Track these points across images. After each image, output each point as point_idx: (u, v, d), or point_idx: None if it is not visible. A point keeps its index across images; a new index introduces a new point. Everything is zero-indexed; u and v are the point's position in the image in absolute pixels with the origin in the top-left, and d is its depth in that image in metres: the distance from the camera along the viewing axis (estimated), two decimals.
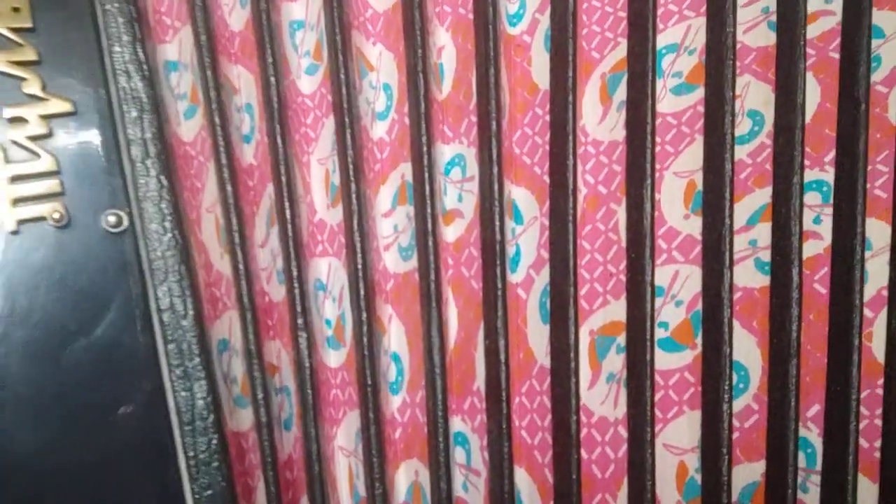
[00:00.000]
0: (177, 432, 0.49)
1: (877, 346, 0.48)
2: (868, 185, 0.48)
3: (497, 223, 0.55)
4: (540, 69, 0.57)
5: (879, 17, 0.48)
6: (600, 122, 0.55)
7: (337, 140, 0.60)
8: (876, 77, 0.48)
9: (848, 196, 0.48)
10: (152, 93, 0.52)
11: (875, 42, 0.48)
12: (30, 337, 0.47)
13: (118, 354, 0.49)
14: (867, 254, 0.48)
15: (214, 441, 0.50)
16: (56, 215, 0.48)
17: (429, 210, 0.57)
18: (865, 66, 0.48)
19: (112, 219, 0.50)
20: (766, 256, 0.51)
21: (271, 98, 0.59)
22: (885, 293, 0.47)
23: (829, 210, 0.49)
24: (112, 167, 0.50)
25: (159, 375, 0.49)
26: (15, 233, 0.48)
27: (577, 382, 0.54)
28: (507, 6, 0.57)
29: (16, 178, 0.48)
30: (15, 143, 0.49)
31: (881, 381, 0.47)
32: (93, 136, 0.50)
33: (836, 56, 0.49)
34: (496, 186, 0.55)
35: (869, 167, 0.48)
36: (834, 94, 0.49)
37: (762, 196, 0.51)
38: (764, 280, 0.51)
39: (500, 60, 0.57)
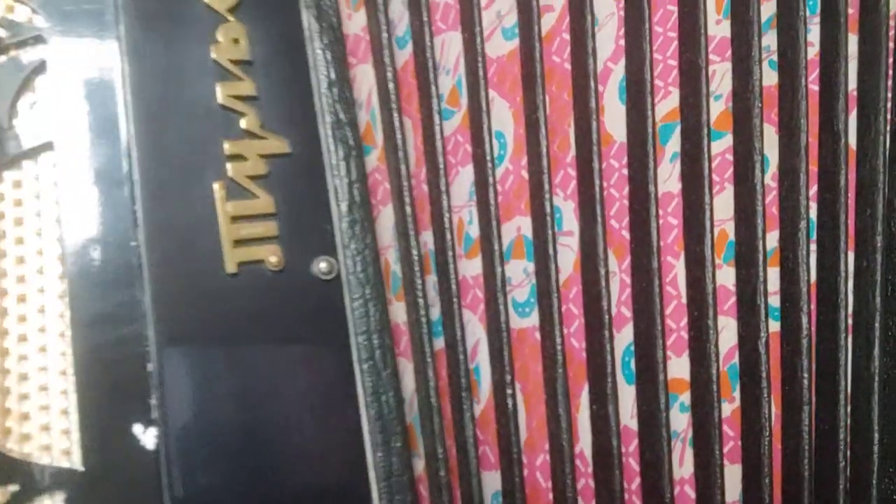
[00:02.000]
0: (374, 489, 0.49)
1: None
2: (849, 220, 0.51)
3: (603, 284, 0.55)
4: (613, 120, 0.57)
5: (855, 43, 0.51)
6: None
7: (477, 188, 0.61)
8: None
9: (831, 232, 0.51)
10: (358, 133, 0.52)
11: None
12: (242, 383, 0.45)
13: (324, 403, 0.48)
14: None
15: (410, 499, 0.50)
16: (274, 259, 0.47)
17: (552, 268, 0.56)
18: (844, 98, 0.51)
19: (324, 266, 0.49)
20: (774, 302, 0.53)
21: (431, 142, 0.59)
22: (849, 321, 0.50)
23: (813, 246, 0.51)
24: (323, 211, 0.50)
25: (359, 425, 0.49)
26: (234, 275, 0.46)
27: (669, 457, 0.54)
28: None
29: (236, 219, 0.46)
30: (235, 181, 0.47)
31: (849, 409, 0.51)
32: (306, 179, 0.49)
33: (816, 88, 0.51)
34: (601, 246, 0.55)
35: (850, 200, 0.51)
36: (815, 127, 0.51)
37: (770, 240, 0.52)
38: (775, 326, 0.52)
39: (600, 114, 0.57)
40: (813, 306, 0.51)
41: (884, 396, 0.53)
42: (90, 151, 0.45)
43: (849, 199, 0.51)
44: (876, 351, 0.52)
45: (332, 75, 0.52)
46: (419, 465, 0.57)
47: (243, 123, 0.48)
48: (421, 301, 0.55)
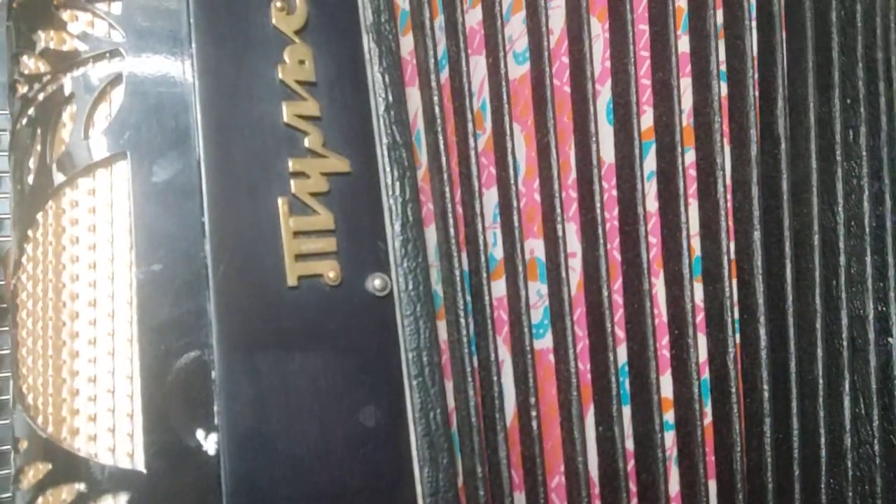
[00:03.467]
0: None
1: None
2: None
3: (606, 305, 0.56)
4: (602, 141, 0.58)
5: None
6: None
7: (501, 210, 0.62)
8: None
9: (776, 238, 0.53)
10: (411, 155, 0.54)
11: None
12: (297, 394, 0.47)
13: (376, 416, 0.49)
14: None
15: None
16: (332, 274, 0.49)
17: (565, 291, 0.57)
18: (783, 102, 0.53)
19: (378, 283, 0.51)
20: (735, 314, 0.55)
21: (466, 164, 0.60)
22: None
23: None
24: (379, 229, 0.52)
25: (407, 441, 0.50)
26: (294, 288, 0.48)
27: (666, 478, 0.55)
28: None
29: (298, 234, 0.48)
30: (297, 197, 0.49)
31: None
32: (363, 197, 0.52)
33: (756, 94, 0.54)
34: (603, 268, 0.57)
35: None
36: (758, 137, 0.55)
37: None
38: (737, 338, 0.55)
39: (599, 137, 0.59)
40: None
41: (828, 402, 0.55)
42: (161, 163, 0.47)
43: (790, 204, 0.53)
44: (819, 353, 0.53)
45: (390, 98, 0.54)
46: (458, 483, 0.59)
47: (307, 142, 0.50)
48: (463, 321, 0.57)
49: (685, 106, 0.56)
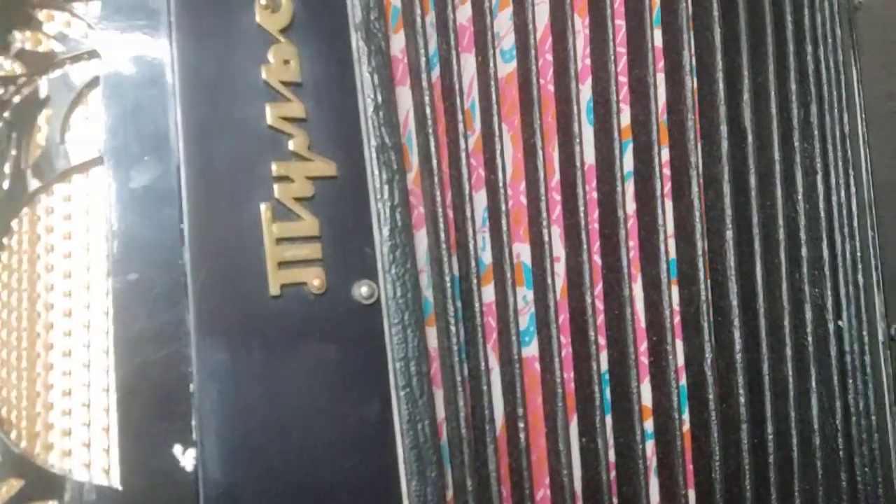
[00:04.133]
0: None
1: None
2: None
3: (589, 312, 0.55)
4: (584, 142, 0.57)
5: None
6: None
7: (490, 213, 0.60)
8: None
9: (746, 236, 0.53)
10: (401, 158, 0.52)
11: None
12: (280, 407, 0.46)
13: (362, 428, 0.48)
14: None
15: None
16: (317, 282, 0.47)
17: (550, 297, 0.56)
18: (748, 94, 0.53)
19: (365, 290, 0.49)
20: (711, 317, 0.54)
21: (457, 166, 0.59)
22: None
23: None
24: (366, 235, 0.50)
25: (394, 453, 0.49)
26: (277, 297, 0.46)
27: (647, 484, 0.54)
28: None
29: (281, 240, 0.47)
30: (281, 203, 0.47)
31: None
32: (350, 202, 0.50)
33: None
34: (587, 275, 0.55)
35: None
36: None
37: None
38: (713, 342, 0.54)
39: (583, 139, 0.57)
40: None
41: (799, 406, 0.54)
42: (139, 168, 0.45)
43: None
44: (788, 351, 0.52)
45: (379, 99, 0.52)
46: (447, 496, 0.58)
47: (291, 145, 0.48)
48: (453, 328, 0.55)
49: (661, 103, 0.55)
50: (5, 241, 0.44)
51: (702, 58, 0.54)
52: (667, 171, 0.54)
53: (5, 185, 0.45)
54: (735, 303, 0.53)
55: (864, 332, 0.59)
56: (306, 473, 0.45)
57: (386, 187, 0.52)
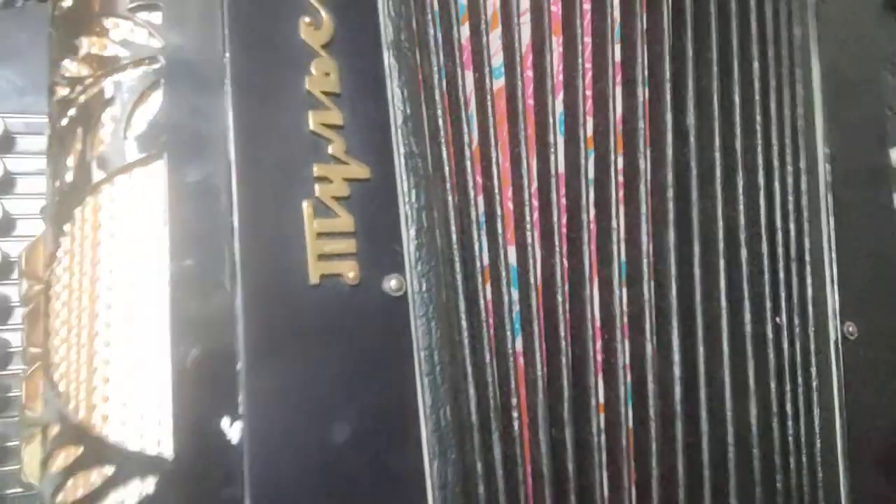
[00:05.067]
0: (430, 497, 0.52)
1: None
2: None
3: (560, 311, 0.58)
4: (558, 152, 0.62)
5: None
6: None
7: (486, 218, 0.65)
8: None
9: (686, 238, 0.56)
10: (427, 165, 0.57)
11: None
12: (317, 387, 0.49)
13: (390, 412, 0.52)
14: None
15: None
16: (352, 274, 0.52)
17: (532, 297, 0.60)
18: (692, 101, 0.57)
19: (394, 283, 0.54)
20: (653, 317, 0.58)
21: (463, 175, 0.64)
22: None
23: None
24: (395, 234, 0.55)
25: (419, 436, 0.53)
26: (316, 286, 0.50)
27: (601, 477, 0.57)
28: None
29: (321, 235, 0.51)
30: (321, 201, 0.52)
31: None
32: (382, 203, 0.55)
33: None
34: (559, 276, 0.59)
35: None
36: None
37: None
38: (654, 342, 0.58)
39: (558, 148, 0.62)
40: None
41: (736, 405, 0.56)
42: (195, 164, 0.49)
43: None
44: (725, 352, 0.55)
45: (408, 111, 0.57)
46: None
47: (330, 149, 0.53)
48: (464, 323, 0.60)
49: (619, 114, 0.59)
50: (67, 227, 0.48)
51: (652, 68, 0.58)
52: (621, 178, 0.58)
53: (69, 176, 0.49)
54: (673, 303, 0.55)
55: (810, 331, 0.60)
56: (341, 450, 0.49)
57: (413, 191, 0.57)
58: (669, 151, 0.57)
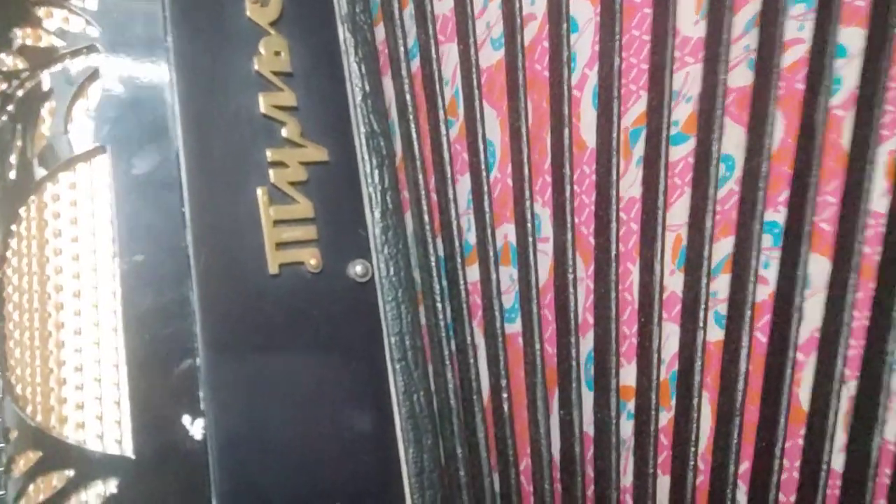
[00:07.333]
0: (406, 484, 0.52)
1: (804, 392, 0.47)
2: (815, 219, 0.47)
3: (571, 290, 0.57)
4: (587, 126, 0.59)
5: (845, 34, 0.47)
6: (622, 177, 0.57)
7: (473, 196, 0.64)
8: (835, 100, 0.47)
9: (795, 236, 0.49)
10: (390, 144, 0.56)
11: (838, 62, 0.47)
12: (283, 379, 0.49)
13: (360, 400, 0.51)
14: (806, 292, 0.47)
15: (439, 495, 0.53)
16: (313, 261, 0.51)
17: (532, 276, 0.58)
18: (826, 94, 0.49)
19: (359, 268, 0.53)
20: (723, 310, 0.53)
21: (439, 152, 0.62)
22: (816, 335, 0.47)
23: (778, 253, 0.50)
24: (359, 217, 0.54)
25: (392, 422, 0.52)
26: (276, 276, 0.50)
27: (617, 457, 0.55)
28: None
29: (278, 222, 0.50)
30: (276, 187, 0.51)
31: (803, 431, 0.47)
32: (343, 186, 0.53)
33: (802, 87, 0.49)
34: (570, 253, 0.57)
35: (818, 198, 0.47)
36: (795, 128, 0.50)
37: (726, 246, 0.52)
38: (720, 334, 0.53)
39: (573, 122, 0.59)
40: (768, 316, 0.50)
41: (856, 425, 0.48)
42: (141, 155, 0.48)
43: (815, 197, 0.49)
44: (838, 368, 0.52)
45: (367, 87, 0.56)
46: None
47: (284, 132, 0.52)
48: (440, 305, 0.59)
49: (695, 92, 0.53)
50: (14, 228, 0.47)
51: (762, 53, 0.50)
52: (691, 160, 0.53)
53: (12, 174, 0.48)
54: (749, 297, 0.50)
55: None
56: (308, 440, 0.49)
57: (376, 172, 0.55)
58: (767, 141, 0.50)
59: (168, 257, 0.47)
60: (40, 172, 0.47)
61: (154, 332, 0.46)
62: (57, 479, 0.44)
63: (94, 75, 0.49)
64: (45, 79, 0.48)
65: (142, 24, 0.50)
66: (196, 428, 0.46)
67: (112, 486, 0.44)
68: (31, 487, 0.44)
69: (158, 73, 0.50)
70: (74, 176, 0.47)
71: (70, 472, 0.44)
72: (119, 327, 0.46)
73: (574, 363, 0.56)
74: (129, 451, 0.44)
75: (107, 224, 0.47)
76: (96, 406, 0.45)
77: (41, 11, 0.48)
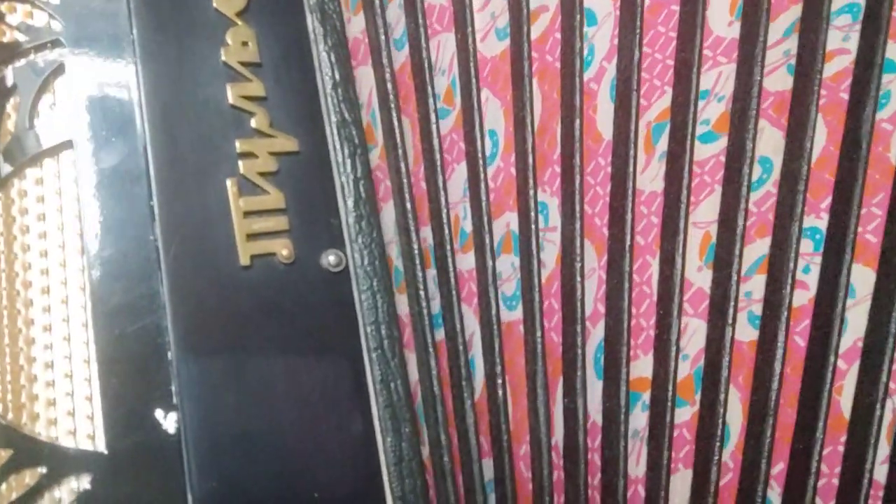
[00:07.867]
0: (385, 472, 0.52)
1: (845, 400, 0.47)
2: (860, 230, 0.47)
3: (578, 279, 0.57)
4: (604, 118, 0.59)
5: (894, 49, 0.47)
6: (643, 171, 0.57)
7: (469, 184, 0.64)
8: (883, 114, 0.47)
9: (838, 243, 0.49)
10: (362, 132, 0.55)
11: (887, 77, 0.47)
12: (257, 370, 0.49)
13: (336, 390, 0.51)
14: (849, 302, 0.47)
15: (419, 483, 0.53)
16: (285, 252, 0.51)
17: (534, 263, 0.58)
18: (873, 106, 0.48)
19: (333, 258, 0.53)
20: (758, 310, 0.53)
21: (428, 140, 0.63)
22: (860, 344, 0.47)
23: (819, 259, 0.49)
24: (331, 207, 0.54)
25: (369, 412, 0.52)
26: (247, 267, 0.49)
27: (625, 446, 0.55)
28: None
29: (248, 213, 0.50)
30: (246, 178, 0.50)
31: (844, 438, 0.47)
32: (314, 175, 0.53)
33: (846, 97, 0.49)
34: (578, 242, 0.57)
35: (863, 210, 0.47)
36: (839, 136, 0.50)
37: (762, 246, 0.53)
38: (753, 334, 0.52)
39: (584, 113, 0.59)
40: (808, 321, 0.50)
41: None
42: (107, 149, 0.48)
43: (861, 212, 0.48)
44: (883, 379, 0.48)
45: (337, 76, 0.56)
46: (423, 453, 0.61)
47: (253, 123, 0.52)
48: (422, 294, 0.59)
49: (727, 91, 0.53)
50: None
51: (803, 58, 0.50)
52: (723, 159, 0.53)
53: None
54: (786, 299, 0.49)
55: None
56: (284, 432, 0.49)
57: (349, 161, 0.55)
58: (807, 144, 0.49)
59: (137, 251, 0.47)
60: (6, 168, 0.46)
61: (124, 326, 0.46)
62: (29, 477, 0.43)
63: (58, 69, 0.48)
64: (9, 74, 0.48)
65: (106, 17, 0.50)
66: (169, 422, 0.46)
67: (86, 481, 0.44)
68: (4, 486, 0.44)
69: (124, 65, 0.50)
70: (41, 171, 0.47)
71: (43, 469, 0.43)
72: (89, 322, 0.45)
73: (580, 351, 0.56)
74: (101, 446, 0.44)
75: (74, 219, 0.47)
76: (68, 402, 0.45)
77: (3, 6, 0.48)
